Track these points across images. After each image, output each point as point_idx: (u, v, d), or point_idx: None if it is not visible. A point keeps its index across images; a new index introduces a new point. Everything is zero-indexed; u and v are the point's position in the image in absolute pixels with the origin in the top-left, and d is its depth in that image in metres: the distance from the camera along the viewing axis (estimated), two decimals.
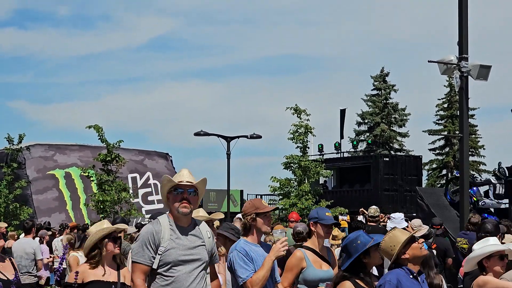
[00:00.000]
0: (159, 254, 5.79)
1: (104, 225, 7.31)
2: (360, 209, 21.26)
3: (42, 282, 16.19)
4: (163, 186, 6.04)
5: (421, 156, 40.76)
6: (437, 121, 53.86)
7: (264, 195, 37.94)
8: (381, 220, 18.85)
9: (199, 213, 8.31)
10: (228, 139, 30.02)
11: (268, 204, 25.73)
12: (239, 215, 21.47)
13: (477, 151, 52.74)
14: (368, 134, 55.36)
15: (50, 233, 21.17)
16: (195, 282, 5.85)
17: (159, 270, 5.78)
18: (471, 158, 46.19)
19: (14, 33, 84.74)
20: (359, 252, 6.17)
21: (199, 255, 5.86)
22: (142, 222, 20.96)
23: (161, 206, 31.43)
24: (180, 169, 6.46)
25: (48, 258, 17.43)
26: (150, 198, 34.70)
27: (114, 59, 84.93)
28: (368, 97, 55.85)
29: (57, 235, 20.28)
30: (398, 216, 14.69)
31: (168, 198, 5.94)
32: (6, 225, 23.04)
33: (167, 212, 6.03)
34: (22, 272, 15.06)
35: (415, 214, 24.76)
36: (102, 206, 26.42)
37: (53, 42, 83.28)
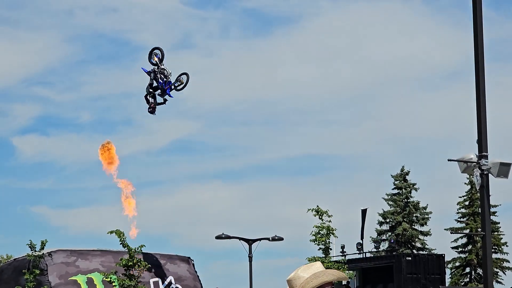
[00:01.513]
0: None
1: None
2: None
3: None
4: (322, 277, 5.04)
5: (444, 254, 40.34)
6: (459, 219, 53.55)
7: None
8: None
9: None
10: (250, 242, 29.92)
11: None
12: None
13: (500, 248, 52.35)
14: (390, 233, 54.88)
15: None
16: None
17: None
18: (494, 256, 45.86)
19: (36, 139, 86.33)
20: None
21: None
22: None
23: None
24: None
25: None
26: None
27: (135, 162, 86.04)
28: (389, 196, 55.95)
29: None
30: None
31: None
32: None
33: None
34: None
35: None
36: None
37: (75, 147, 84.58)
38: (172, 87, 23.56)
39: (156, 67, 23.62)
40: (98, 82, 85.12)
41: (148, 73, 23.90)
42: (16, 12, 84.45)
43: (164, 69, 23.24)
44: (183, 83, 23.56)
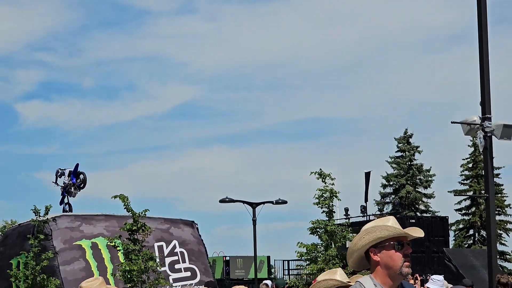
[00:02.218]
0: None
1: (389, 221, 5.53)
2: None
3: None
4: (375, 231, 4.56)
5: (447, 216, 40.80)
6: (463, 181, 53.54)
7: (291, 260, 38.63)
8: (413, 282, 19.02)
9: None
10: (254, 205, 30.40)
11: (296, 269, 25.17)
12: (266, 281, 21.54)
13: (504, 210, 52.44)
14: (393, 196, 55.23)
15: None
16: None
17: None
18: (497, 217, 46.01)
19: (39, 105, 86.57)
20: None
21: None
22: None
23: (188, 274, 32.73)
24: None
25: None
26: (177, 266, 33.19)
27: (138, 127, 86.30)
28: (393, 159, 56.11)
29: None
30: (439, 278, 16.26)
31: (373, 253, 4.52)
32: None
33: (369, 274, 4.61)
34: None
35: (443, 276, 24.50)
36: (129, 276, 26.11)
37: (78, 112, 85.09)
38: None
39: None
40: (100, 47, 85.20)
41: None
42: None
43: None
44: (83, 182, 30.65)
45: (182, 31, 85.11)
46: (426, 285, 17.23)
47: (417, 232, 4.57)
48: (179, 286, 29.49)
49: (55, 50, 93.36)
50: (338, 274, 6.28)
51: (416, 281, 21.19)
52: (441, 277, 17.21)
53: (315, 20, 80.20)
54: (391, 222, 4.54)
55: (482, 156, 22.62)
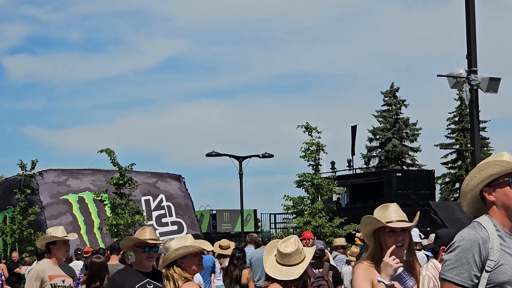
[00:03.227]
0: (486, 272, 4.00)
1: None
2: None
3: None
4: (488, 168, 4.19)
5: (434, 170, 40.93)
6: (449, 135, 54.04)
7: (278, 214, 38.85)
8: None
9: None
10: (240, 159, 30.29)
11: (283, 222, 24.97)
12: (252, 234, 21.27)
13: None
14: (380, 150, 55.55)
15: (64, 258, 21.53)
16: None
17: None
18: None
19: (25, 60, 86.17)
20: None
21: None
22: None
23: (175, 228, 33.12)
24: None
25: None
26: (163, 220, 33.99)
27: (125, 82, 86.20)
28: (379, 113, 56.17)
29: (74, 259, 20.24)
30: (415, 231, 15.53)
31: (488, 192, 4.10)
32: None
33: (486, 214, 4.17)
34: None
35: (429, 229, 24.82)
36: (116, 230, 26.34)
37: (65, 67, 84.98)
38: None
39: None
40: (87, 1, 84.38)
41: None
42: None
43: None
44: None
45: None
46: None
47: None
48: (165, 240, 29.80)
49: (41, 3, 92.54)
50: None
51: None
52: (416, 230, 17.01)
53: None
54: (506, 157, 4.12)
55: (468, 110, 22.96)
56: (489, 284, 3.86)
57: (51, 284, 8.94)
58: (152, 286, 7.23)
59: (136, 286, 7.18)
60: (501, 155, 4.03)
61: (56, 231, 9.25)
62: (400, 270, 4.85)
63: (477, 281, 3.84)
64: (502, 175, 3.93)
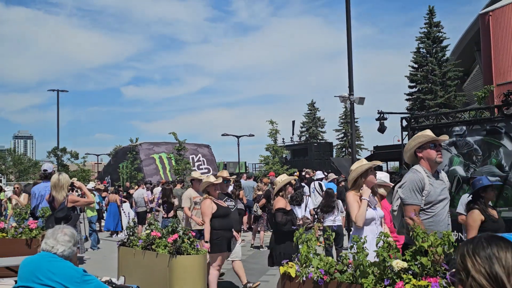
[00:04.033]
0: (423, 196, 5.55)
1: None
2: (304, 170, 26.24)
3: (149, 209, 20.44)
4: (418, 139, 5.70)
5: (332, 142, 54.23)
6: (340, 124, 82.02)
7: (257, 163, 47.90)
8: (313, 174, 22.54)
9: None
10: (238, 137, 41.91)
11: (259, 168, 46.22)
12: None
13: (360, 138, 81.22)
14: (306, 131, 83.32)
15: (150, 186, 24.86)
16: (447, 216, 5.71)
17: (424, 207, 5.54)
18: (357, 142, 72.82)
19: None
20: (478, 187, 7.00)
21: (446, 195, 5.68)
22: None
23: (206, 171, 40.61)
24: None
25: (150, 197, 22.13)
26: (201, 167, 41.72)
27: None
28: (306, 114, 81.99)
29: (156, 187, 23.91)
30: (319, 172, 20.69)
31: (419, 152, 5.69)
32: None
33: (418, 164, 5.72)
34: (139, 206, 21.15)
35: (330, 171, 29.54)
36: (177, 172, 34.27)
37: None
38: None
39: None
40: None
41: None
42: None
43: None
44: None
45: None
46: (317, 173, 20.32)
47: (443, 137, 5.60)
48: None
49: None
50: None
51: (312, 173, 24.59)
52: (319, 172, 20.94)
53: None
54: (428, 132, 5.62)
55: (350, 113, 23.28)
56: (425, 203, 5.55)
57: (194, 201, 11.16)
58: (228, 200, 10.04)
59: (223, 200, 9.90)
60: (426, 131, 5.57)
61: (196, 174, 11.70)
62: (371, 194, 6.49)
63: (421, 202, 5.51)
64: (425, 142, 5.53)
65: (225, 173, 10.70)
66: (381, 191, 7.82)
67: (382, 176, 7.86)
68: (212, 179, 9.74)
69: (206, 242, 9.19)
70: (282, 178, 9.10)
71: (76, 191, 12.71)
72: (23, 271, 5.07)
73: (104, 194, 24.69)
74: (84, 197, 10.41)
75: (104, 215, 24.13)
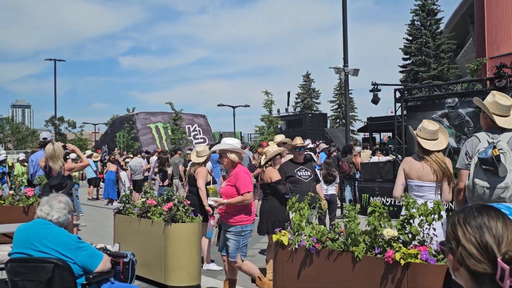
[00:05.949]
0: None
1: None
2: (317, 141, 28.54)
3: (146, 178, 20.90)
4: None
5: (327, 113, 55.47)
6: (334, 96, 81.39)
7: (252, 134, 49.00)
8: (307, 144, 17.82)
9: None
10: (234, 107, 43.14)
11: (254, 138, 45.74)
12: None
13: (354, 109, 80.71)
14: (301, 102, 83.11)
15: (147, 155, 25.83)
16: None
17: None
18: (350, 113, 76.63)
19: None
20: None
21: None
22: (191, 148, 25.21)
23: (202, 140, 41.04)
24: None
25: (147, 166, 22.36)
26: (196, 136, 42.60)
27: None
28: (301, 86, 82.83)
29: (152, 156, 24.69)
30: (308, 141, 21.68)
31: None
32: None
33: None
34: (136, 174, 21.29)
35: (322, 141, 29.98)
36: (174, 141, 36.36)
37: None
38: None
39: None
40: None
41: None
42: None
43: None
44: None
45: None
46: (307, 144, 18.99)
47: None
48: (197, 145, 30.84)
49: None
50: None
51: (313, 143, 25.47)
52: (308, 141, 21.89)
53: None
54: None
55: (344, 84, 24.64)
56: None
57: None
58: (303, 169, 9.13)
59: (295, 170, 9.06)
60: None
61: (200, 147, 11.08)
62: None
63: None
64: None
65: (298, 140, 9.53)
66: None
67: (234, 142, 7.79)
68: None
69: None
70: (273, 149, 8.98)
71: (70, 157, 13.03)
72: (18, 238, 5.17)
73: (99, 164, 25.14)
74: (79, 161, 10.78)
75: (102, 184, 24.42)
